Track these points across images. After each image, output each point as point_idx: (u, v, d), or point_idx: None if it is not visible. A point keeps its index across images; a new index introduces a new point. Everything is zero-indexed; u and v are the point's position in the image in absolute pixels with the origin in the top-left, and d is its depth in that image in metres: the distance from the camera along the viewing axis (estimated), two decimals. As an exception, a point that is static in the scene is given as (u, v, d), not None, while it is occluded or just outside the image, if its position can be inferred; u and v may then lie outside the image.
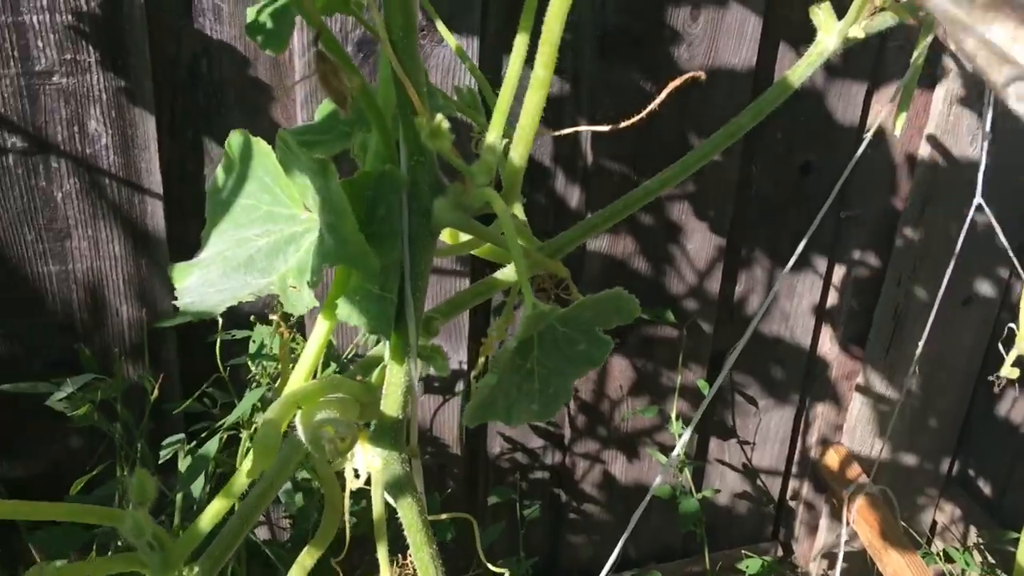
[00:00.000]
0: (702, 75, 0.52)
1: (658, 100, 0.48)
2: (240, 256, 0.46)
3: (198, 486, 0.96)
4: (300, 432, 0.41)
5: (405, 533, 0.49)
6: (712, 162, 1.00)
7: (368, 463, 0.49)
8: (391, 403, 0.47)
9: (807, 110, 1.49)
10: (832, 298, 1.67)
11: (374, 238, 0.43)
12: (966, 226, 1.24)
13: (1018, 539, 1.67)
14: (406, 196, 0.44)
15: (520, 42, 0.41)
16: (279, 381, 0.59)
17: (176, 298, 0.46)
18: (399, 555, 0.55)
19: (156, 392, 1.16)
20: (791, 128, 1.50)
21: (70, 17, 1.07)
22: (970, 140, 1.52)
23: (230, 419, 1.01)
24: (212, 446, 1.01)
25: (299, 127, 0.51)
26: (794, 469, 1.85)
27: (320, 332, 0.46)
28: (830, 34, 0.68)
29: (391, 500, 0.49)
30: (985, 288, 1.67)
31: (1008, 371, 1.06)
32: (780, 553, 1.89)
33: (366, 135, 0.45)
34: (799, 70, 0.65)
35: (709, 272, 1.56)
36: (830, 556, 1.85)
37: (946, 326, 1.67)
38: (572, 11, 0.42)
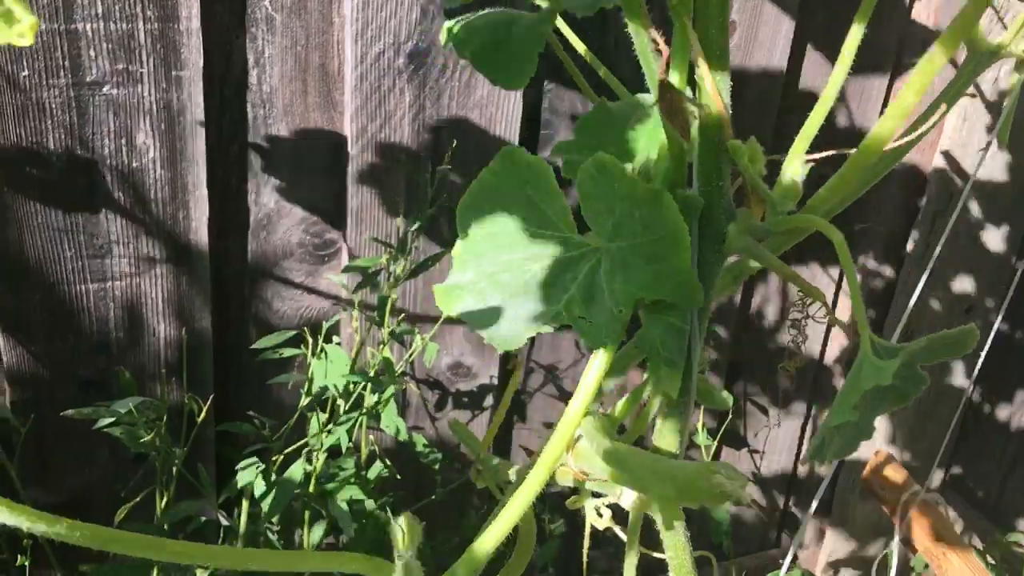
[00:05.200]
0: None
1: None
2: (516, 282, 0.44)
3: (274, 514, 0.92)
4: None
5: (671, 573, 0.47)
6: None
7: (629, 501, 0.47)
8: (668, 439, 0.45)
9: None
10: (843, 308, 1.71)
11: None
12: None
13: (1017, 541, 1.72)
14: (696, 222, 0.43)
15: (853, 39, 0.40)
16: (498, 412, 0.57)
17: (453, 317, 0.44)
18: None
19: (203, 414, 1.11)
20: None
21: (125, 26, 1.02)
22: (979, 156, 1.57)
23: (328, 442, 0.97)
24: (297, 471, 0.97)
25: (562, 144, 0.49)
26: (799, 476, 1.88)
27: (599, 366, 0.44)
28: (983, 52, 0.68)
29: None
30: (986, 297, 1.73)
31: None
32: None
33: (650, 160, 0.44)
34: (960, 83, 0.64)
35: (731, 284, 1.57)
36: (834, 564, 1.89)
37: (949, 334, 1.72)
38: None
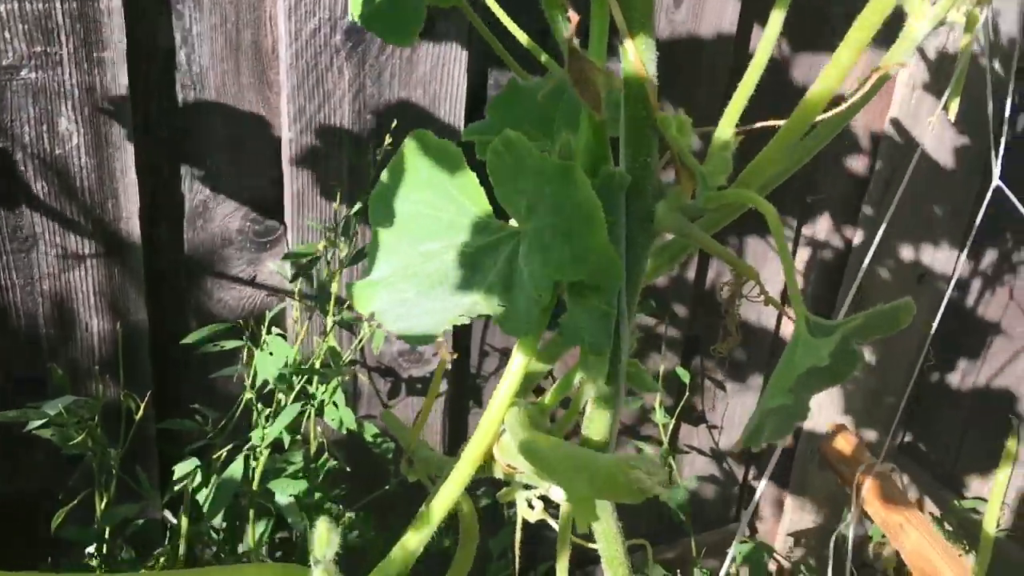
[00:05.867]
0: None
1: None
2: (431, 272, 0.41)
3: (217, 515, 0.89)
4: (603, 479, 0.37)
5: (604, 566, 0.45)
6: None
7: (559, 494, 0.45)
8: (597, 427, 0.43)
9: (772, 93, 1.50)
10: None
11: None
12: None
13: (974, 508, 1.74)
14: (623, 200, 0.40)
15: (775, 21, 0.38)
16: (427, 398, 0.54)
17: (374, 318, 0.41)
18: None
19: (141, 412, 1.07)
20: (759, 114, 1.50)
21: (42, 5, 0.97)
22: (929, 124, 1.56)
23: (269, 437, 0.94)
24: (237, 470, 0.93)
25: (474, 127, 0.46)
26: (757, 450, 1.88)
27: (522, 355, 0.41)
28: (921, 19, 0.66)
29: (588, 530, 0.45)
30: (937, 266, 1.73)
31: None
32: (747, 534, 1.92)
33: (569, 136, 0.41)
34: (893, 56, 0.63)
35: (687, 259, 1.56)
36: (795, 535, 1.89)
37: (902, 304, 1.72)
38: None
